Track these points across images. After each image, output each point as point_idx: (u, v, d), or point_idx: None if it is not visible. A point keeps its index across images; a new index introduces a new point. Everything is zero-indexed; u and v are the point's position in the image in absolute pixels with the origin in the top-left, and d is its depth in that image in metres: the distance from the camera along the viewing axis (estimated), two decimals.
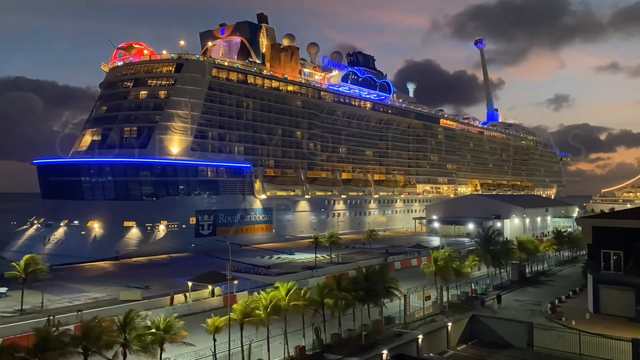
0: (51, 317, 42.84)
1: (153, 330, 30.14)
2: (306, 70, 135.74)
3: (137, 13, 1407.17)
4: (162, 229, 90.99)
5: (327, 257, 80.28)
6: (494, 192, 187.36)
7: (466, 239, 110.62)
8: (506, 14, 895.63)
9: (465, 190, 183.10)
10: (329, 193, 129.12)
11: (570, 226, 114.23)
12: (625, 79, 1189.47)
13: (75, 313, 44.82)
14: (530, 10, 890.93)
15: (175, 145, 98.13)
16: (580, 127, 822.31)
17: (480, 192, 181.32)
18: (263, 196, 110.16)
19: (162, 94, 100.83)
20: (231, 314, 34.83)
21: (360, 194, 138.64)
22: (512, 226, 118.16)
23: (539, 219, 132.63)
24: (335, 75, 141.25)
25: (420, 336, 40.10)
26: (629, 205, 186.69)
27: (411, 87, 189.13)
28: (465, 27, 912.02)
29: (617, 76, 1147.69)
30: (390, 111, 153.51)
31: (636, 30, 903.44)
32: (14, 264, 51.12)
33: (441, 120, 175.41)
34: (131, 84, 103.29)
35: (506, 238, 79.07)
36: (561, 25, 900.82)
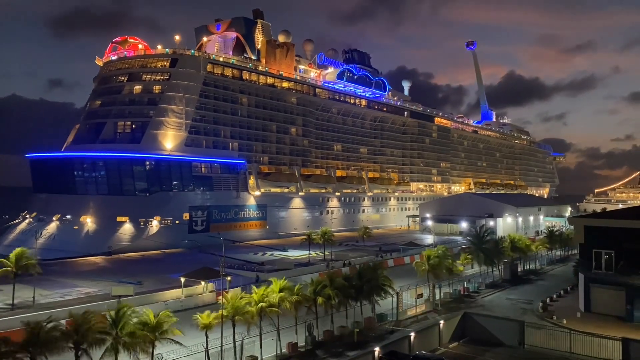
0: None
1: (146, 330, 29.79)
2: (301, 67, 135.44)
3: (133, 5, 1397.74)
4: (155, 224, 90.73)
5: (321, 254, 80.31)
6: (488, 191, 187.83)
7: (459, 237, 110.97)
8: None
9: (458, 188, 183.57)
10: (323, 190, 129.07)
11: (562, 225, 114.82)
12: None
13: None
14: None
15: (169, 140, 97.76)
16: None
17: (473, 191, 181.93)
18: (257, 192, 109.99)
19: (156, 88, 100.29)
20: (223, 310, 34.77)
21: (354, 191, 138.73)
22: (505, 225, 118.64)
23: (531, 218, 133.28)
24: (331, 72, 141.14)
25: (412, 334, 40.22)
26: (621, 206, 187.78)
27: (406, 85, 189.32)
28: None
29: None
30: (385, 109, 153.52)
31: None
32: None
33: (436, 118, 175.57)
34: (125, 79, 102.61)
35: (499, 238, 79.39)
36: None
